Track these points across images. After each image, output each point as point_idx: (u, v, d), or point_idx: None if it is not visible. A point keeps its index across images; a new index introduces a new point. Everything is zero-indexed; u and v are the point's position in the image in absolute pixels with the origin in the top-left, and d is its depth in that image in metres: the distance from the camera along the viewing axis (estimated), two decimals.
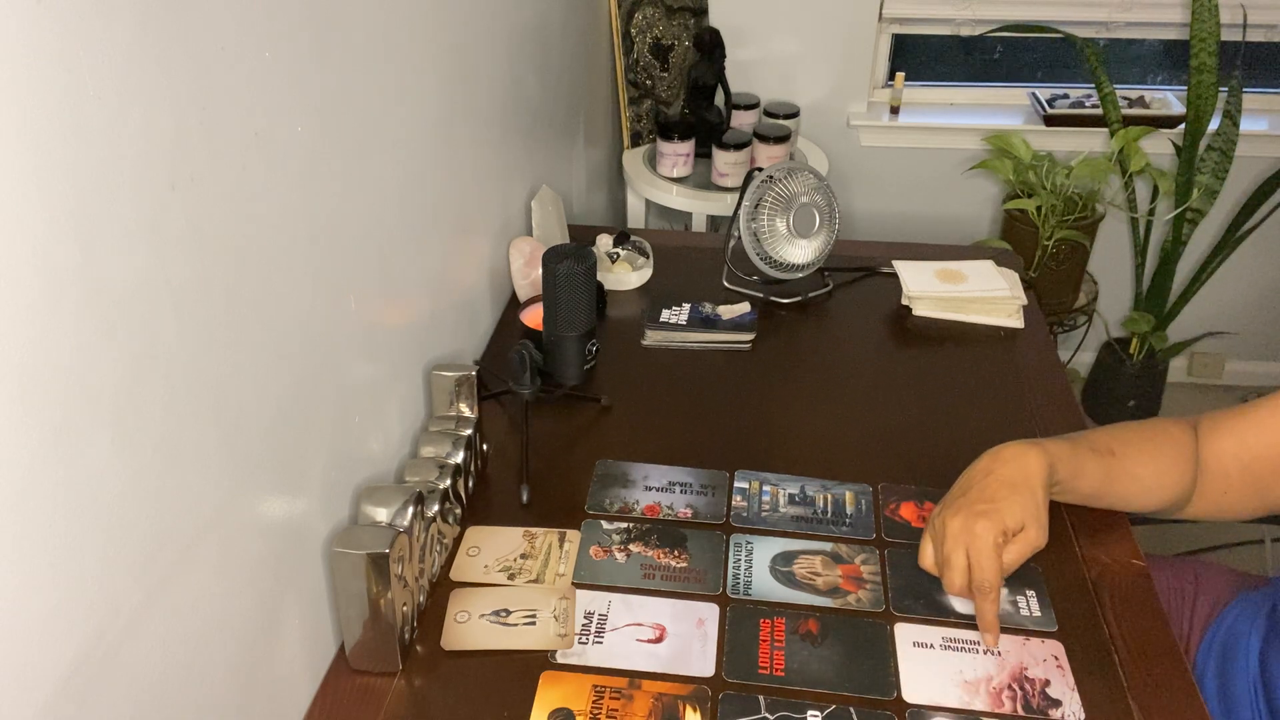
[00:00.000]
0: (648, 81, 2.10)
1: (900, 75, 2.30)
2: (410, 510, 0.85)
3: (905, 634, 0.90)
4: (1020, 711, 0.83)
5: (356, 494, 0.90)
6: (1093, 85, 2.19)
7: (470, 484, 1.03)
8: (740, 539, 0.99)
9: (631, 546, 0.98)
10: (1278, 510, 0.95)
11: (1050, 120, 2.26)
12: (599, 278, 1.32)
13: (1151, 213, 2.27)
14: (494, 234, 1.31)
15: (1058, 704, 0.83)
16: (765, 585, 0.94)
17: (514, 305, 1.35)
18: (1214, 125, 2.13)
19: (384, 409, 0.97)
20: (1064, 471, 0.92)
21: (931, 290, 1.36)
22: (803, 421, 1.17)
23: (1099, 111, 2.20)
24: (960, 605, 0.92)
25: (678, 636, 0.89)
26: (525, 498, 1.03)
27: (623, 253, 1.44)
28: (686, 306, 1.35)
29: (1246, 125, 2.17)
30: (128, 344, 0.57)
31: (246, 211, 0.68)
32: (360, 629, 0.84)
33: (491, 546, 0.98)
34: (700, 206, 1.96)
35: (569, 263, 1.11)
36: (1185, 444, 0.96)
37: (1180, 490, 0.96)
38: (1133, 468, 0.96)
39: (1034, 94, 2.33)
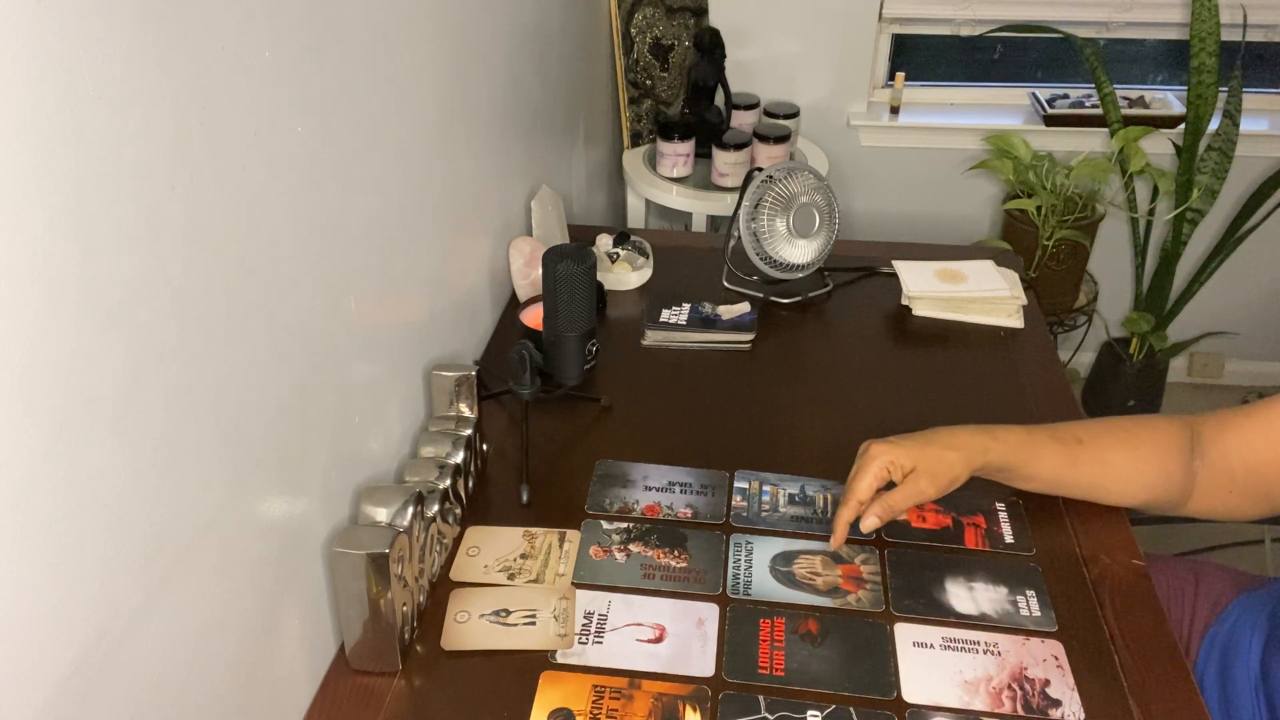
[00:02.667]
0: (648, 81, 2.10)
1: (900, 75, 2.30)
2: (410, 510, 0.85)
3: (905, 634, 0.90)
4: (1020, 711, 0.83)
5: (356, 494, 0.90)
6: (1093, 85, 2.19)
7: (470, 484, 1.03)
8: (740, 539, 0.99)
9: (631, 546, 0.98)
10: (1278, 511, 0.95)
11: (1050, 120, 2.26)
12: (599, 278, 1.32)
13: (1151, 213, 2.27)
14: (494, 234, 1.31)
15: (1058, 704, 0.83)
16: (765, 585, 0.94)
17: (514, 305, 1.35)
18: (1214, 125, 2.13)
19: (384, 409, 0.97)
20: (1014, 457, 0.96)
21: (931, 290, 1.36)
22: (803, 421, 1.17)
23: (1099, 111, 2.20)
24: (960, 605, 0.92)
25: (678, 636, 0.89)
26: (525, 498, 1.03)
27: (623, 253, 1.44)
28: (686, 306, 1.35)
29: (1246, 125, 2.17)
30: (128, 344, 0.57)
31: (246, 211, 0.68)
32: (360, 629, 0.84)
33: (491, 546, 0.98)
34: (700, 206, 1.96)
35: (569, 263, 1.11)
36: (1172, 436, 0.96)
37: (1166, 481, 0.96)
38: (1104, 454, 0.97)
39: (1034, 94, 2.33)
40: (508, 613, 0.91)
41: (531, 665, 0.86)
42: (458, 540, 0.99)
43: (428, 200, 1.05)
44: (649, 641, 0.89)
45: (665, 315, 1.33)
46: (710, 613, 0.91)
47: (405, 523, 0.85)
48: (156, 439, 0.61)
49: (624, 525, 1.01)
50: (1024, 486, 1.00)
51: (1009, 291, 1.36)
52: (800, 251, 1.36)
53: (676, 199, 1.96)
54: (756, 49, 2.25)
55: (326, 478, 0.85)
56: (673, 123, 1.98)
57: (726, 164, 1.94)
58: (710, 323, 1.32)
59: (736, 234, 1.37)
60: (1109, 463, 0.97)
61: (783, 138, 1.95)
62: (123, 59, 0.54)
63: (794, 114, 2.09)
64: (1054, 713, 0.83)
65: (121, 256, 0.56)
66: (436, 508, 0.91)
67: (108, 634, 0.59)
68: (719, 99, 2.09)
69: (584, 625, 0.90)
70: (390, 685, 0.85)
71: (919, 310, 1.36)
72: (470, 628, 0.90)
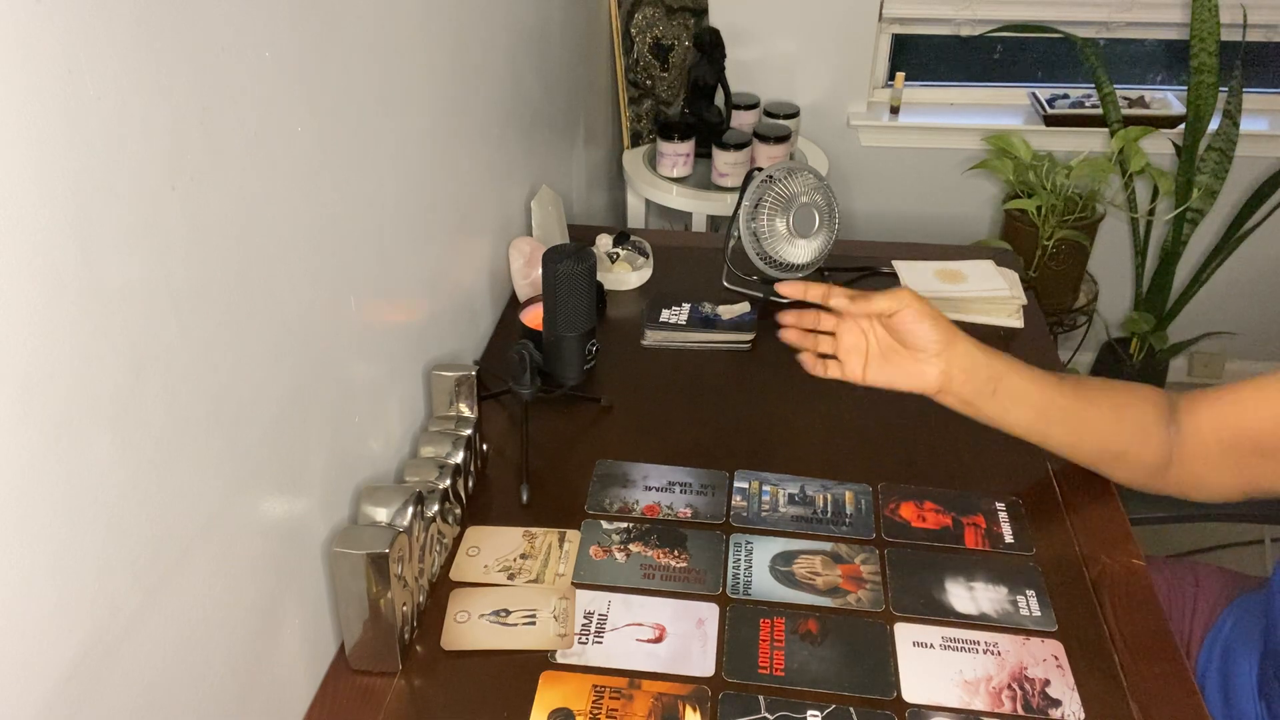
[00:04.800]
0: (648, 81, 2.10)
1: (900, 75, 2.30)
2: (410, 510, 0.85)
3: (905, 634, 0.90)
4: (1020, 711, 0.83)
5: (356, 494, 0.90)
6: (1093, 85, 2.19)
7: (470, 484, 1.03)
8: (740, 539, 0.99)
9: (631, 546, 0.98)
10: (1255, 492, 0.94)
11: (1050, 120, 2.26)
12: (599, 278, 1.32)
13: (1151, 213, 2.27)
14: (494, 234, 1.31)
15: (1058, 704, 0.83)
16: (765, 585, 0.94)
17: (514, 305, 1.36)
18: (1214, 125, 2.13)
19: (384, 409, 0.97)
20: (988, 359, 0.95)
21: (931, 290, 1.36)
22: (803, 421, 1.17)
23: (1099, 111, 2.20)
24: (960, 605, 0.92)
25: (678, 636, 0.89)
26: (525, 498, 1.03)
27: (623, 253, 1.44)
28: (686, 306, 1.35)
29: (1246, 125, 2.17)
30: (128, 344, 0.57)
31: (246, 212, 0.68)
32: (360, 629, 0.84)
33: (491, 546, 0.98)
34: (700, 206, 1.96)
35: (569, 263, 1.11)
36: (1149, 391, 0.96)
37: (1143, 434, 0.94)
38: (1085, 391, 0.96)
39: (1034, 94, 2.33)
40: (508, 613, 0.91)
41: (531, 665, 0.86)
42: (458, 540, 0.99)
43: (428, 200, 1.05)
44: (649, 641, 0.89)
45: (665, 315, 1.33)
46: (710, 613, 0.91)
47: (405, 523, 0.85)
48: (156, 439, 0.61)
49: (624, 525, 1.01)
50: (1007, 415, 0.97)
51: (1009, 291, 1.36)
52: (800, 251, 1.36)
53: (676, 199, 1.96)
54: (756, 49, 2.25)
55: (326, 478, 0.85)
56: (673, 123, 1.98)
57: (726, 164, 1.94)
58: (710, 323, 1.32)
59: (736, 234, 1.37)
60: (1091, 399, 0.96)
61: (783, 138, 1.95)
62: (123, 59, 0.54)
63: (794, 114, 2.09)
64: (1054, 713, 0.83)
65: (121, 256, 0.56)
66: (436, 508, 0.91)
67: (107, 634, 0.59)
68: (719, 99, 2.09)
69: (584, 625, 0.90)
70: (390, 685, 0.85)
71: None
72: (470, 628, 0.90)
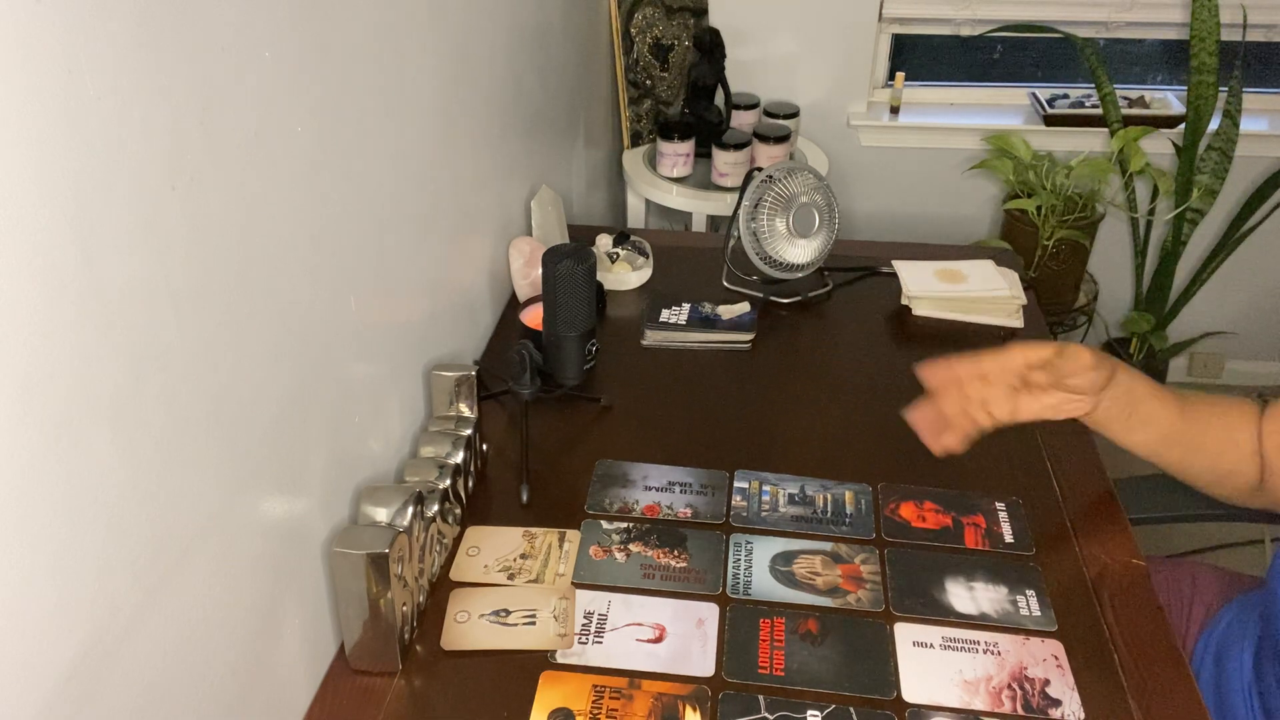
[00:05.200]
0: (648, 81, 2.10)
1: (900, 75, 2.30)
2: (410, 510, 0.85)
3: (905, 634, 0.90)
4: (1020, 711, 0.83)
5: (356, 494, 0.90)
6: (1093, 85, 2.19)
7: (470, 484, 1.03)
8: (740, 539, 0.99)
9: (631, 546, 0.98)
10: None
11: (1050, 120, 2.26)
12: (599, 278, 1.32)
13: (1151, 213, 2.27)
14: (494, 234, 1.31)
15: (1057, 704, 0.83)
16: (765, 585, 0.94)
17: (514, 305, 1.36)
18: (1214, 125, 2.13)
19: (384, 409, 0.97)
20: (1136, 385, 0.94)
21: (931, 290, 1.36)
22: (803, 421, 1.17)
23: (1099, 111, 2.20)
24: (960, 605, 0.92)
25: (677, 636, 0.89)
26: (525, 498, 1.03)
27: (623, 253, 1.44)
28: (686, 306, 1.35)
29: (1246, 125, 2.17)
30: (128, 344, 0.57)
31: (246, 211, 0.68)
32: (360, 629, 0.84)
33: (491, 546, 0.98)
34: (700, 206, 1.96)
35: (569, 263, 1.11)
36: (1252, 414, 0.95)
37: (1254, 454, 0.93)
38: (1202, 414, 0.95)
39: (1034, 94, 2.33)
40: (507, 613, 0.91)
41: (531, 665, 0.86)
42: (458, 540, 0.99)
43: (428, 200, 1.05)
44: (649, 641, 0.89)
45: (665, 315, 1.33)
46: (710, 612, 0.91)
47: (405, 523, 0.85)
48: (156, 439, 0.61)
49: (624, 525, 1.01)
50: (1132, 436, 0.96)
51: (1009, 291, 1.36)
52: (800, 251, 1.36)
53: (676, 199, 1.96)
54: (756, 49, 2.25)
55: (326, 478, 0.85)
56: (673, 123, 1.98)
57: (726, 164, 1.94)
58: (710, 323, 1.32)
59: (736, 234, 1.37)
60: (1209, 426, 0.95)
61: (783, 138, 1.95)
62: (123, 59, 0.54)
63: (794, 114, 2.09)
64: (1054, 713, 0.83)
65: (121, 256, 0.56)
66: (436, 508, 0.91)
67: (107, 634, 0.59)
68: (719, 99, 2.09)
69: (584, 625, 0.90)
70: (390, 685, 0.85)
71: (919, 310, 1.36)
72: (470, 628, 0.90)
